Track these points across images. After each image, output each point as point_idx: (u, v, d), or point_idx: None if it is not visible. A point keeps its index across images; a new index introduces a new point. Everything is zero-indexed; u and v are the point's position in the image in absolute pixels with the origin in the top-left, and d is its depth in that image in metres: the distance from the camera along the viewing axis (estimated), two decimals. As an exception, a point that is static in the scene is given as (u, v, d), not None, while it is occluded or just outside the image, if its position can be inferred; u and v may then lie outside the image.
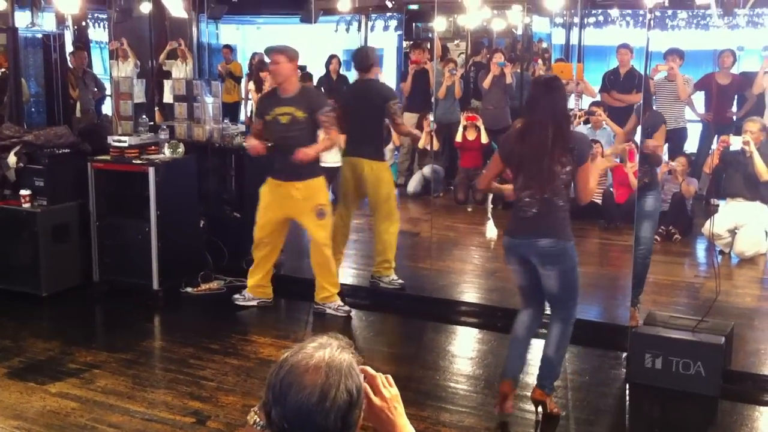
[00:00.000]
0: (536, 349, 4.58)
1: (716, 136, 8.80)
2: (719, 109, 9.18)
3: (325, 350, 1.77)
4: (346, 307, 6.10)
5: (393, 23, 13.66)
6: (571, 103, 9.32)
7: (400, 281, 6.62)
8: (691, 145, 9.40)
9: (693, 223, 7.98)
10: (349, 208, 6.66)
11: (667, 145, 8.67)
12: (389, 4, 11.57)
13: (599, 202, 8.43)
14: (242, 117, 11.68)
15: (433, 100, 9.67)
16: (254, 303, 6.23)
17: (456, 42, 12.41)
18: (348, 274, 6.98)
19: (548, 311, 4.55)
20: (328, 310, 6.09)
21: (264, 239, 6.14)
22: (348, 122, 6.44)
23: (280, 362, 1.77)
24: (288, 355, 1.77)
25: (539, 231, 4.19)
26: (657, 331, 4.92)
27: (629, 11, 11.90)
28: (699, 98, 9.47)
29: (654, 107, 8.40)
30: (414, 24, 12.95)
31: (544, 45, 12.35)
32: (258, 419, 1.88)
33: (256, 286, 6.25)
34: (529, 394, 4.54)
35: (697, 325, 4.90)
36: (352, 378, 1.75)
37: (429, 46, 11.50)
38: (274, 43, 6.09)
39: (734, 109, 9.33)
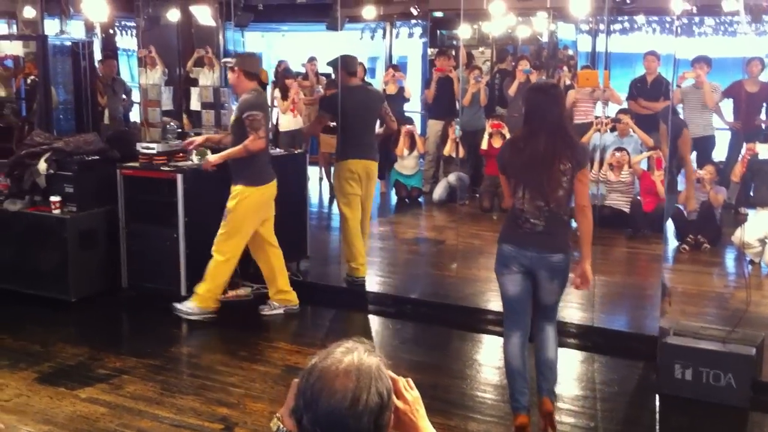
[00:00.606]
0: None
1: (745, 144, 8.75)
2: (748, 117, 9.11)
3: (353, 354, 1.77)
4: (194, 317, 6.01)
5: (417, 30, 13.70)
6: (598, 110, 9.29)
7: None
8: (719, 153, 9.32)
9: (722, 232, 7.90)
10: (362, 211, 6.67)
11: (695, 153, 8.63)
12: (414, 12, 11.58)
13: (627, 210, 8.39)
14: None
15: (458, 107, 9.67)
16: (281, 311, 6.24)
17: (481, 49, 12.41)
18: (373, 281, 6.98)
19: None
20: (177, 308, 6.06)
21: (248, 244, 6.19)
22: (352, 126, 6.51)
23: (309, 368, 1.77)
24: (317, 360, 1.78)
25: (550, 246, 4.12)
26: (687, 341, 4.87)
27: (656, 18, 11.85)
28: (728, 106, 9.40)
29: (681, 115, 8.37)
30: (438, 31, 12.98)
31: (570, 52, 12.33)
32: (281, 425, 1.88)
33: (277, 293, 6.28)
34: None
35: (728, 336, 4.84)
36: (381, 380, 1.76)
37: (454, 53, 11.52)
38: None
39: (763, 116, 9.24)
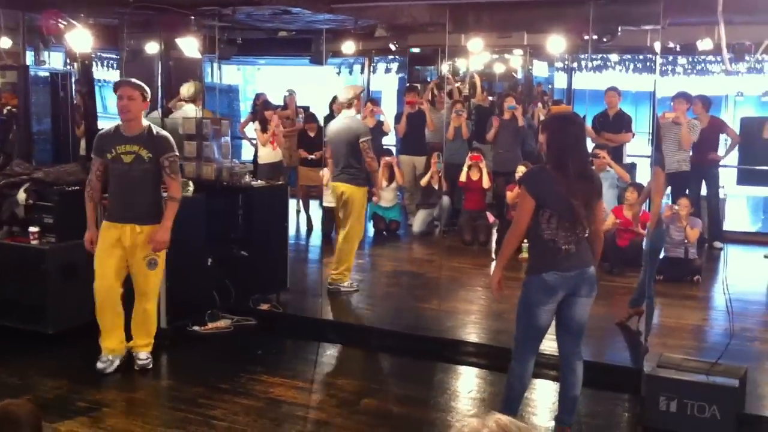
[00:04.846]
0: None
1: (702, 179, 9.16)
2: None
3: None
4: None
5: (394, 66, 13.83)
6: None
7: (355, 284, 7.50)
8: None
9: (701, 266, 8.02)
10: None
11: (670, 188, 8.75)
12: (393, 48, 11.71)
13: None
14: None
15: (442, 140, 9.77)
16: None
17: (457, 85, 12.53)
18: (354, 314, 6.96)
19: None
20: None
21: None
22: None
23: None
24: None
25: (585, 261, 4.33)
26: (671, 373, 4.90)
27: (629, 56, 12.12)
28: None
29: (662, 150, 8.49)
30: (415, 67, 13.15)
31: (543, 89, 12.53)
32: None
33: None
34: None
35: (711, 368, 4.89)
36: None
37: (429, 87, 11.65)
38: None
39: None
